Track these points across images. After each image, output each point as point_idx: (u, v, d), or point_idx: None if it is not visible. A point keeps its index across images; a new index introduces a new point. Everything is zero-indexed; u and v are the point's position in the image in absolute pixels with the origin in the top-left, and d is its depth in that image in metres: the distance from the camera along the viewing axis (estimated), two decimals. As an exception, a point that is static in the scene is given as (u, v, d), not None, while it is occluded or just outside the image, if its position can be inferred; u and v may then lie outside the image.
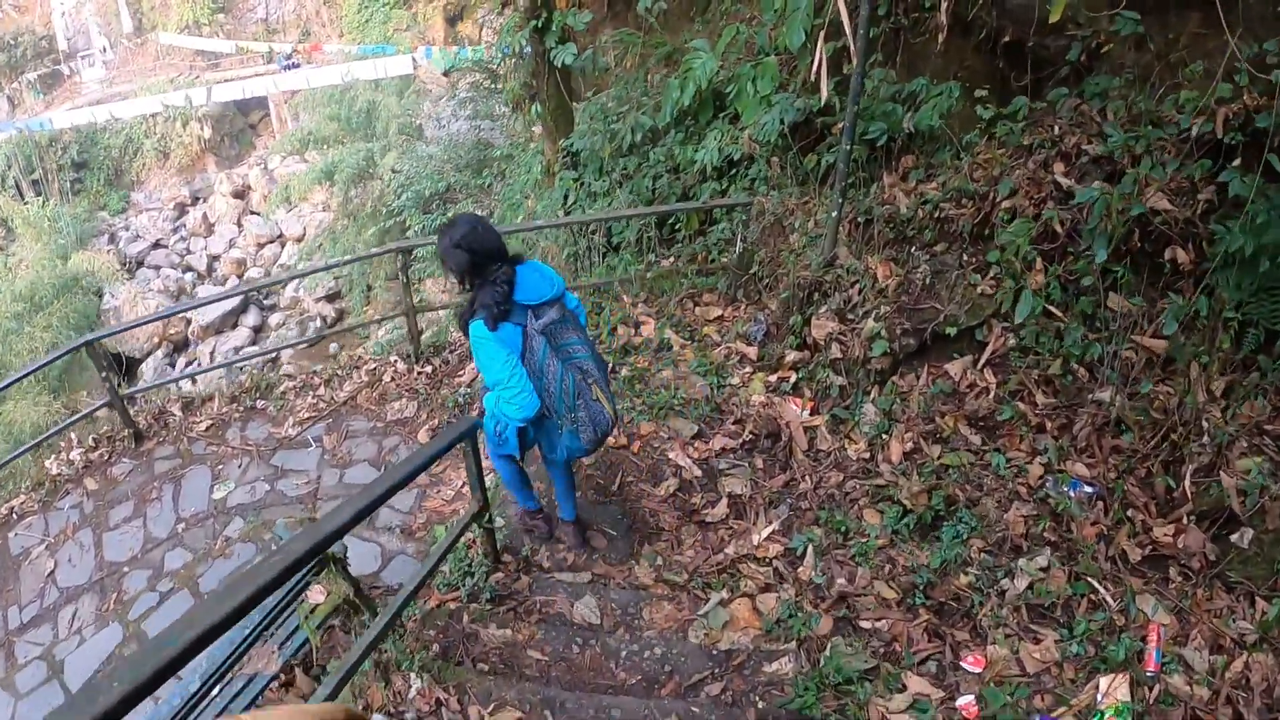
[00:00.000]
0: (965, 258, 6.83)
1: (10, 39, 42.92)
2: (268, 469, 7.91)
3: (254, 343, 29.14)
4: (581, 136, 10.92)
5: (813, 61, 6.63)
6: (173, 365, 28.86)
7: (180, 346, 29.79)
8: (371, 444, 8.07)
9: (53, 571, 7.24)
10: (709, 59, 9.41)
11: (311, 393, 8.90)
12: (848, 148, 6.65)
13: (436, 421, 8.10)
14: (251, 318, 30.34)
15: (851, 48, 6.33)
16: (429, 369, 8.86)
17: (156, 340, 29.44)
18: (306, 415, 8.55)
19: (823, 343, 7.12)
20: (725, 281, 8.70)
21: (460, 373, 8.66)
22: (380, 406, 8.50)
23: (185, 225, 36.32)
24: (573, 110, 11.57)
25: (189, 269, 33.84)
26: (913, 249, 7.12)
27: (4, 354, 22.60)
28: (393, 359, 9.11)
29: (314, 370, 9.39)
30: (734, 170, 9.28)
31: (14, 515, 7.95)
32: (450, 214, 19.56)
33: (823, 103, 7.17)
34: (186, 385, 17.69)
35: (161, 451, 8.33)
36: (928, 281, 6.86)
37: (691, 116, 9.97)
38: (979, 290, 6.62)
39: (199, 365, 27.28)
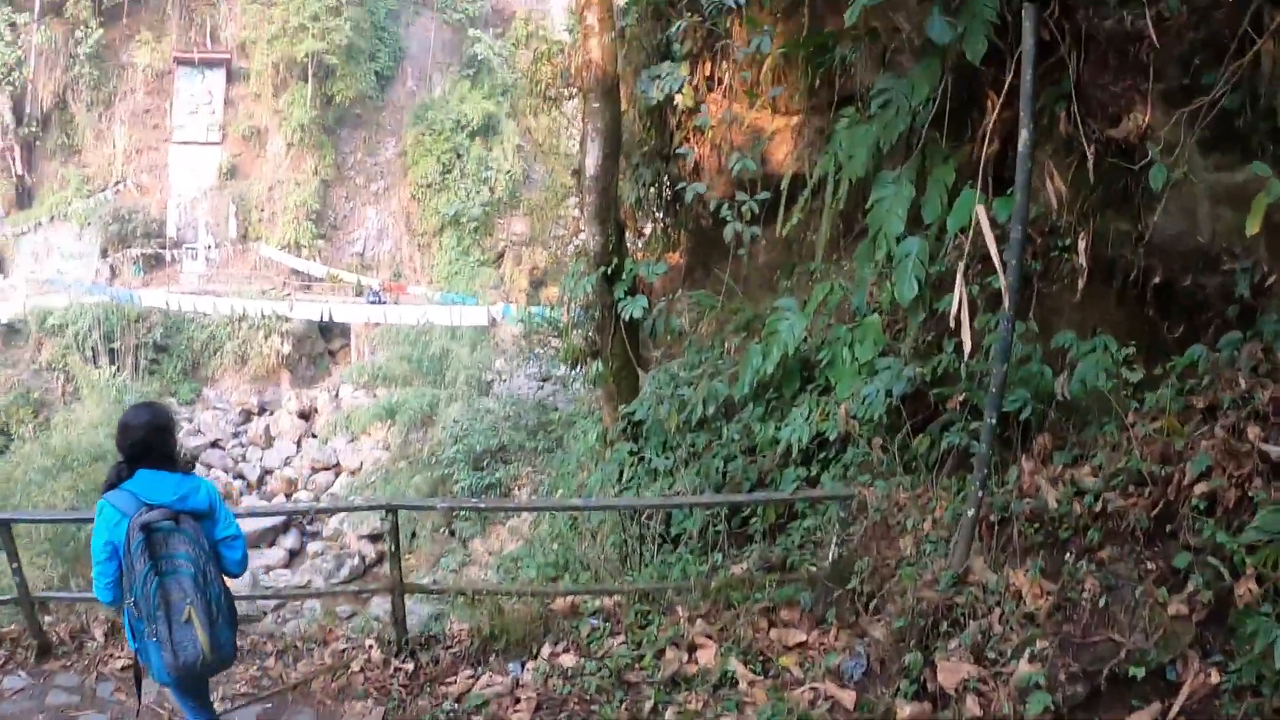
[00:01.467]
0: (1145, 566, 4.92)
1: (126, 213, 44.15)
2: None
3: (287, 565, 27.31)
4: (645, 404, 9.01)
5: (952, 307, 5.29)
6: None
7: None
8: None
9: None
10: (797, 319, 7.53)
11: (258, 662, 6.62)
12: (992, 421, 4.97)
13: (404, 743, 5.78)
14: (291, 540, 28.70)
15: (1002, 281, 4.93)
16: (410, 666, 6.45)
17: None
18: (242, 691, 6.26)
19: (954, 693, 4.83)
20: (812, 595, 6.35)
21: (451, 679, 6.29)
22: (337, 704, 6.14)
23: (246, 432, 35.84)
24: (638, 374, 9.80)
25: (240, 476, 32.92)
26: (1070, 557, 5.15)
27: (22, 503, 21.81)
28: (369, 643, 6.75)
29: (269, 633, 7.13)
30: (824, 454, 7.25)
31: None
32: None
33: (964, 357, 5.53)
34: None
35: (63, 679, 6.38)
36: (1098, 602, 4.84)
37: (774, 388, 7.99)
38: (1170, 611, 4.67)
39: None
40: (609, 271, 9.08)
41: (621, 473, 9.02)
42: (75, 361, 32.75)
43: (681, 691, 5.74)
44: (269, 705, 6.15)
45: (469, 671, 6.34)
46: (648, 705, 5.64)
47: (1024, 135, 4.65)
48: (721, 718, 5.41)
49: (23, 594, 6.57)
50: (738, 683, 5.70)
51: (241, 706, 6.11)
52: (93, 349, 35.48)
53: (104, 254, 43.97)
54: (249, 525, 27.09)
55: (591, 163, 9.00)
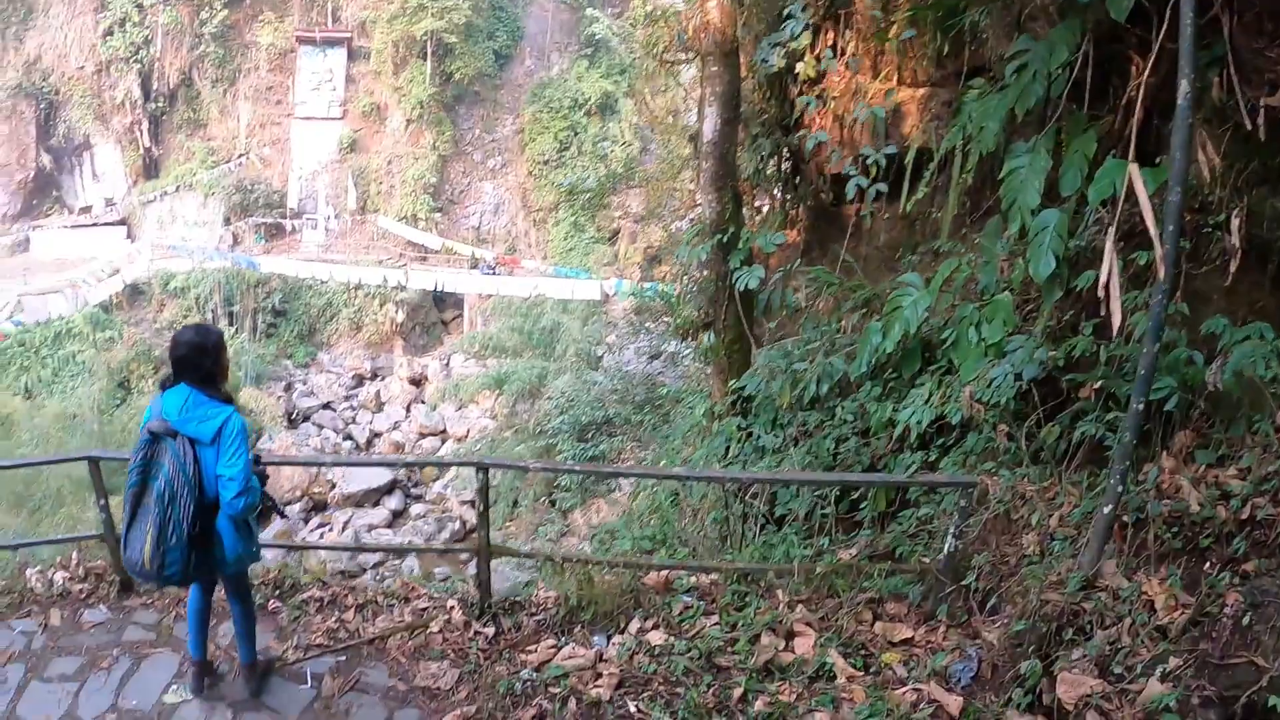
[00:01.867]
0: (1297, 583, 4.24)
1: (248, 184, 45.58)
2: (243, 693, 5.63)
3: (390, 526, 27.70)
4: (756, 378, 8.58)
5: (1101, 278, 4.73)
6: (306, 522, 27.98)
7: (319, 507, 28.88)
8: (378, 711, 5.57)
9: (-42, 693, 5.66)
10: (922, 295, 7.03)
11: (337, 613, 6.50)
12: (1139, 406, 4.44)
13: (475, 709, 5.46)
14: (395, 501, 29.07)
15: (1158, 252, 4.33)
16: (491, 630, 6.21)
17: (300, 493, 28.73)
18: (318, 641, 6.14)
19: (1072, 708, 4.36)
20: (922, 589, 5.91)
21: (532, 647, 6.03)
22: (412, 662, 5.96)
23: (358, 396, 36.47)
24: (750, 347, 9.39)
25: (349, 438, 33.37)
26: (1211, 567, 4.63)
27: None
28: (450, 604, 6.53)
29: (351, 586, 7.02)
30: (943, 439, 6.77)
31: None
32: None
33: (1112, 336, 5.00)
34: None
35: (142, 616, 6.45)
36: (1240, 620, 4.24)
37: (893, 368, 7.51)
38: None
39: (329, 529, 27.05)
40: (724, 240, 8.69)
41: (728, 449, 8.67)
42: (195, 322, 33.14)
43: (775, 681, 5.37)
44: (343, 658, 6.02)
45: (551, 641, 6.05)
46: (736, 692, 5.25)
47: (1183, 87, 4.10)
48: (815, 713, 5.00)
49: (108, 530, 6.67)
50: (835, 676, 5.30)
51: (315, 657, 6.01)
52: (213, 311, 36.75)
53: (227, 222, 45.26)
54: (357, 482, 28.17)
55: (709, 128, 8.64)
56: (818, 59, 10.12)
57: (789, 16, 9.66)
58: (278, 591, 6.77)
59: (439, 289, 38.22)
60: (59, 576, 7.00)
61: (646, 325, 22.01)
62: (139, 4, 45.30)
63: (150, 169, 47.56)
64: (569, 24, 50.13)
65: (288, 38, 46.97)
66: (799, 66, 9.67)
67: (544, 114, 46.90)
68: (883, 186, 8.17)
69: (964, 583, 5.58)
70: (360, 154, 46.72)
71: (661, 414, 17.43)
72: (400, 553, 23.24)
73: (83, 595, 6.80)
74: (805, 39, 9.74)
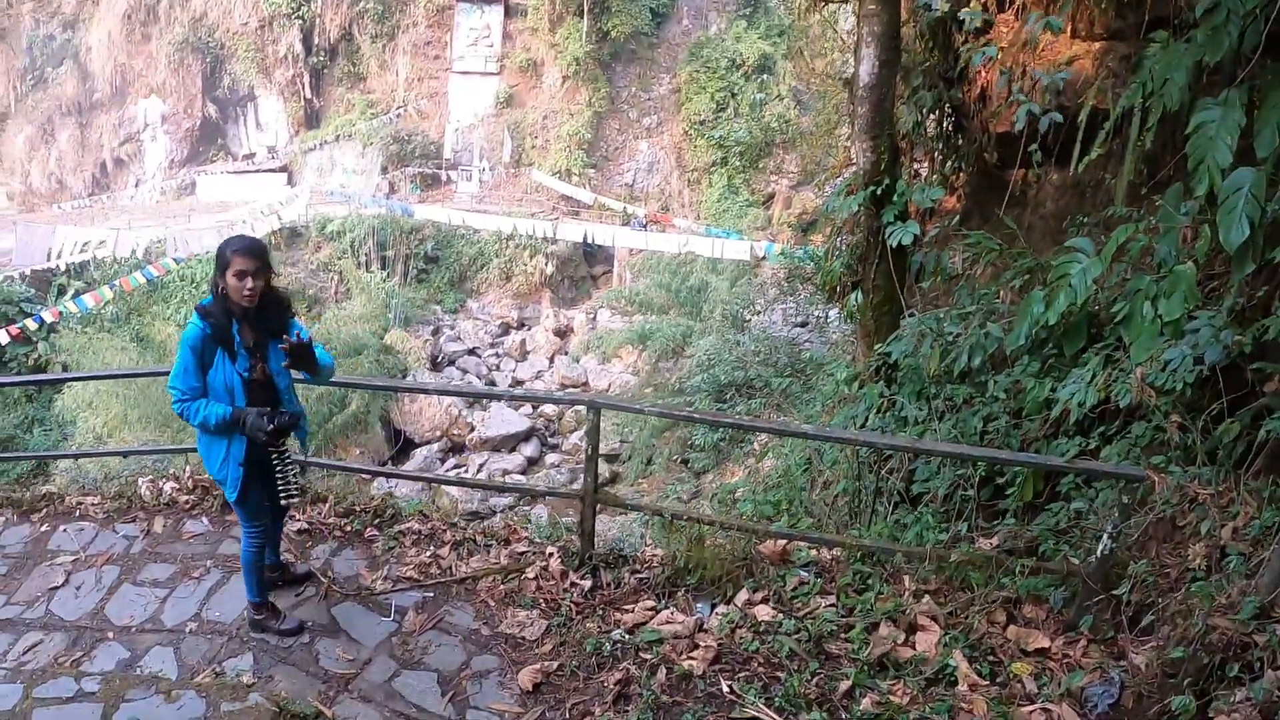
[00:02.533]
0: None
1: (405, 135, 46.39)
2: (325, 617, 5.61)
3: (524, 472, 27.97)
4: (904, 343, 7.90)
5: None
6: (442, 462, 28.54)
7: (457, 449, 29.42)
8: (457, 653, 5.34)
9: (56, 588, 6.13)
10: (1092, 264, 6.26)
11: (432, 548, 6.31)
12: None
13: (558, 665, 5.14)
14: (530, 448, 29.27)
15: None
16: (588, 583, 5.86)
17: (439, 434, 29.35)
18: (409, 574, 6.01)
19: (1232, 760, 3.69)
20: (1065, 594, 5.25)
21: (629, 607, 5.62)
22: (500, 607, 5.67)
23: (503, 344, 36.67)
24: (900, 310, 8.66)
25: (492, 383, 33.67)
26: None
27: None
28: (550, 550, 6.23)
29: (452, 522, 6.81)
30: (1104, 427, 6.02)
31: (77, 513, 7.08)
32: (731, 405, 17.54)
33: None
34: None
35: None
36: None
37: (1054, 343, 6.77)
38: None
39: (465, 470, 27.53)
40: (878, 192, 8.05)
41: (868, 417, 8.05)
42: (349, 265, 34.52)
43: (888, 677, 4.83)
44: (430, 594, 5.86)
45: (650, 602, 5.66)
46: (843, 685, 4.73)
47: None
48: (928, 720, 4.42)
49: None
50: (957, 682, 4.71)
51: (402, 590, 5.87)
52: (366, 255, 37.41)
53: (383, 171, 46.14)
54: (495, 427, 28.90)
55: (865, 71, 7.94)
56: (984, 6, 9.32)
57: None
58: (377, 520, 6.78)
59: (589, 241, 38.05)
60: (169, 486, 7.32)
61: (795, 289, 21.26)
62: None
63: (311, 119, 49.15)
64: (727, -17, 49.04)
65: (446, -6, 47.51)
66: (964, 13, 8.93)
67: (701, 74, 46.06)
68: (1050, 149, 7.42)
69: (1115, 593, 4.87)
70: (516, 109, 46.85)
71: (803, 380, 16.85)
72: (530, 497, 23.30)
73: (188, 506, 7.09)
74: (976, -16, 9.01)
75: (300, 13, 47.07)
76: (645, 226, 39.99)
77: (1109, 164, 7.99)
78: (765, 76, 45.61)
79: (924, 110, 9.62)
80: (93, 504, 7.18)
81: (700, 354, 20.52)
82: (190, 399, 4.76)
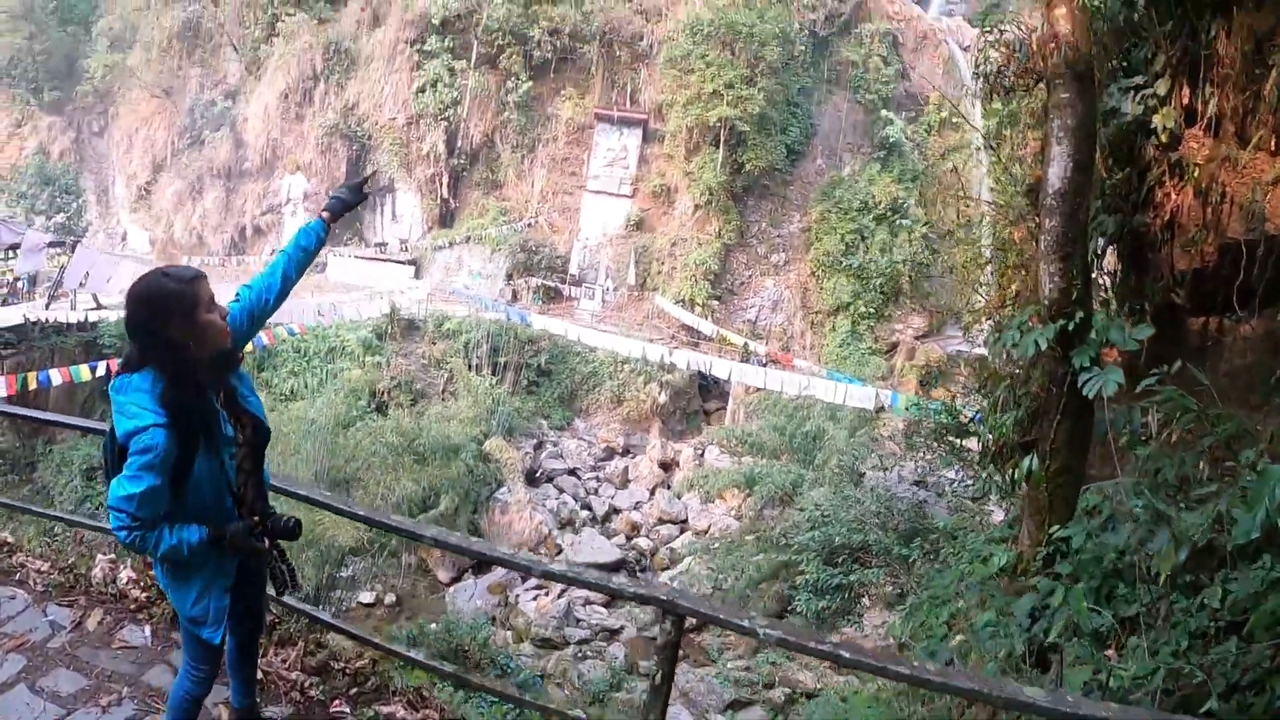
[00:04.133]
0: None
1: (534, 246, 47.31)
2: None
3: (608, 605, 26.37)
4: (1083, 527, 6.20)
5: None
6: (523, 581, 27.10)
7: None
8: None
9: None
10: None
11: None
12: None
13: None
14: (619, 579, 27.41)
15: None
16: None
17: (526, 550, 27.78)
18: None
19: None
20: None
21: None
22: None
23: (605, 469, 35.81)
24: (1081, 478, 6.86)
25: (588, 507, 32.65)
26: None
27: (355, 468, 23.05)
28: None
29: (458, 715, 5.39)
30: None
31: (18, 575, 6.27)
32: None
33: None
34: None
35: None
36: None
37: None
38: None
39: (546, 594, 25.83)
40: (1070, 327, 6.26)
41: (1033, 616, 6.23)
42: (460, 365, 35.00)
43: None
44: None
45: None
46: None
47: None
48: None
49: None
50: None
51: None
52: (479, 358, 37.37)
53: (508, 278, 46.78)
54: (585, 553, 27.38)
55: (1055, 173, 6.40)
56: (1175, 116, 8.03)
57: (1139, 50, 7.81)
58: (354, 690, 5.20)
59: (707, 373, 37.22)
60: (125, 575, 6.19)
61: (926, 445, 19.63)
62: (451, 68, 48.79)
63: (445, 218, 50.51)
64: (862, 125, 49.10)
65: (587, 114, 48.62)
66: (1155, 119, 7.65)
67: (832, 214, 45.67)
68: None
69: None
70: (645, 232, 47.09)
71: (928, 550, 15.12)
72: (610, 634, 21.93)
73: (135, 606, 5.96)
74: (1164, 85, 7.77)
75: (447, 115, 48.78)
76: (765, 364, 39.05)
77: None
78: (897, 220, 45.07)
79: (1104, 236, 8.32)
80: (38, 570, 6.29)
81: (811, 507, 19.16)
82: (147, 527, 3.48)
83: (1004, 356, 7.13)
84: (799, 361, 40.44)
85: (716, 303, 44.75)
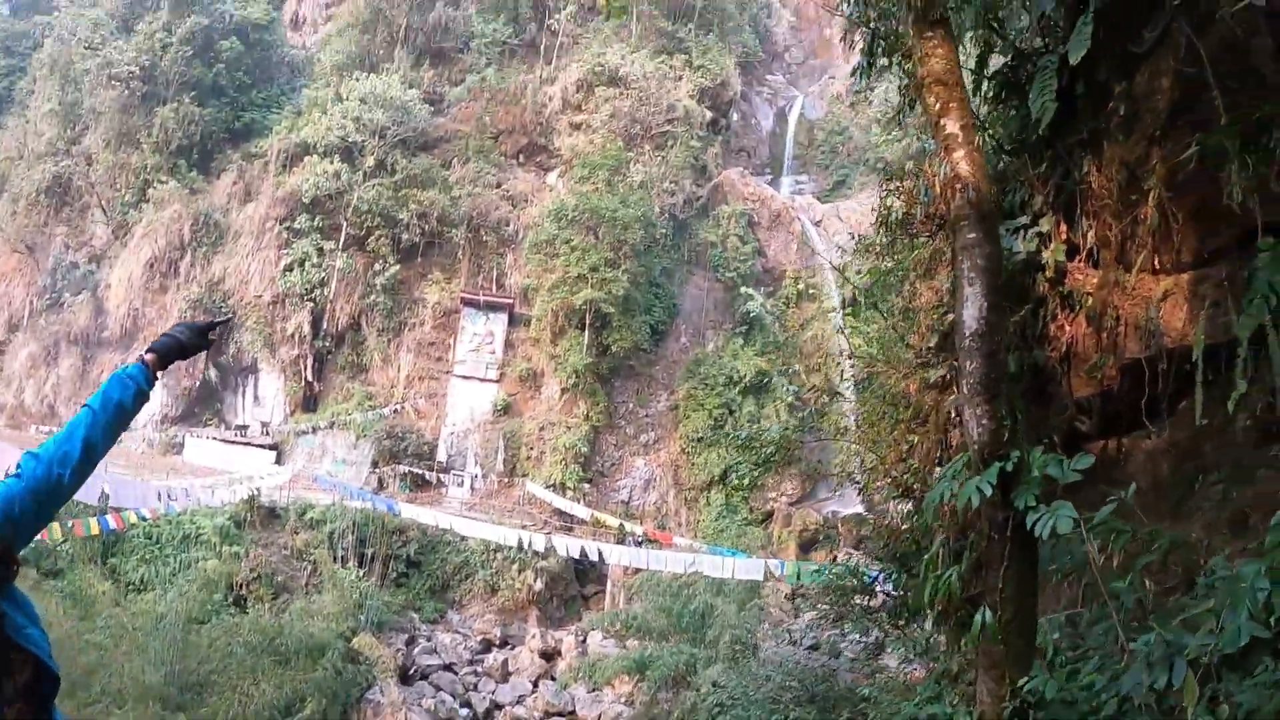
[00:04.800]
0: None
1: (400, 432, 46.46)
2: None
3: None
4: (1044, 675, 5.65)
5: None
6: None
7: None
8: None
9: None
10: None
11: None
12: None
13: None
14: None
15: None
16: None
17: None
18: None
19: None
20: None
21: None
22: None
23: (483, 662, 34.58)
24: (1034, 623, 6.38)
25: (467, 705, 31.35)
26: None
27: (209, 671, 21.77)
28: None
29: None
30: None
31: None
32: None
33: None
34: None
35: None
36: None
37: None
38: None
39: None
40: (1007, 469, 5.96)
41: None
42: (324, 556, 33.65)
43: None
44: None
45: None
46: None
47: None
48: None
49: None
50: None
51: None
52: (345, 550, 36.15)
53: (374, 465, 45.82)
54: None
55: (970, 316, 6.21)
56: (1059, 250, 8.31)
57: (1017, 193, 8.12)
58: None
59: (584, 558, 36.53)
60: None
61: (834, 609, 19.06)
62: (320, 247, 49.04)
63: (309, 402, 49.71)
64: (723, 302, 50.81)
65: (453, 298, 49.03)
66: (1045, 255, 7.89)
67: (699, 390, 46.61)
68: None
69: None
70: (513, 417, 46.94)
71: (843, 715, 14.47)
72: None
73: None
74: (1047, 222, 8.04)
75: (313, 295, 48.69)
76: (640, 543, 38.62)
77: (1209, 410, 6.84)
78: (762, 393, 46.15)
79: (1008, 375, 8.42)
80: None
81: (713, 689, 18.32)
82: None
83: (935, 512, 6.84)
84: (678, 539, 40.21)
85: (588, 485, 44.56)
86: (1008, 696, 5.96)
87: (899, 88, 9.29)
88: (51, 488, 2.85)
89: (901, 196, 8.34)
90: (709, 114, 53.44)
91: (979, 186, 6.44)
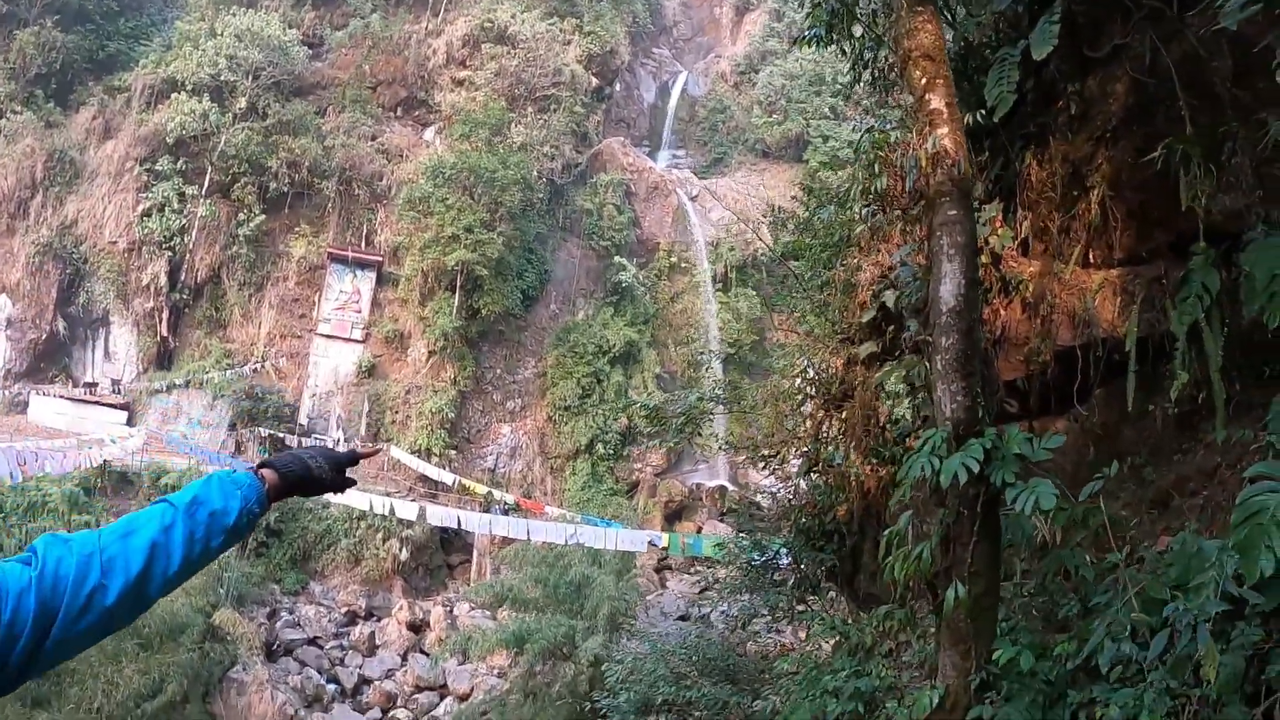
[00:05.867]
0: None
1: (260, 393, 44.80)
2: None
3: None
4: (1010, 646, 5.93)
5: None
6: None
7: None
8: None
9: None
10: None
11: None
12: None
13: None
14: None
15: None
16: None
17: None
18: None
19: None
20: None
21: None
22: None
23: (349, 636, 34.12)
24: (998, 601, 6.61)
25: (335, 680, 30.97)
26: None
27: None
28: None
29: None
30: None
31: None
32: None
33: None
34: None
35: None
36: None
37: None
38: None
39: None
40: (985, 449, 6.02)
41: None
42: None
43: None
44: None
45: None
46: None
47: None
48: None
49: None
50: None
51: None
52: (201, 520, 34.67)
53: (232, 428, 44.29)
54: None
55: (949, 293, 6.43)
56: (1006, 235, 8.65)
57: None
58: None
59: (458, 527, 36.11)
60: None
61: (748, 581, 19.06)
62: (181, 192, 46.48)
63: (163, 359, 47.30)
64: (596, 271, 51.03)
65: (320, 253, 47.49)
66: (992, 240, 8.16)
67: (568, 358, 46.82)
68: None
69: None
70: (378, 379, 46.10)
71: (781, 693, 14.40)
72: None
73: None
74: (994, 209, 8.32)
75: (172, 243, 46.27)
76: (506, 512, 38.41)
77: (1109, 404, 7.33)
78: (630, 363, 46.55)
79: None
80: None
81: (617, 668, 17.92)
82: None
83: (913, 487, 6.90)
84: (549, 509, 40.22)
85: (454, 452, 44.30)
86: (974, 669, 6.19)
87: (853, 62, 9.40)
88: (69, 601, 1.80)
89: (889, 169, 8.42)
90: (595, 81, 53.27)
91: (961, 163, 6.60)
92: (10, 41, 48.38)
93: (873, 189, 8.53)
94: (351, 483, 2.51)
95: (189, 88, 46.47)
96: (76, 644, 1.84)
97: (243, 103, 47.06)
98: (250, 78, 47.47)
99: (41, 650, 1.75)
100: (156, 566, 1.94)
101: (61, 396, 45.17)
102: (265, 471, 2.29)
